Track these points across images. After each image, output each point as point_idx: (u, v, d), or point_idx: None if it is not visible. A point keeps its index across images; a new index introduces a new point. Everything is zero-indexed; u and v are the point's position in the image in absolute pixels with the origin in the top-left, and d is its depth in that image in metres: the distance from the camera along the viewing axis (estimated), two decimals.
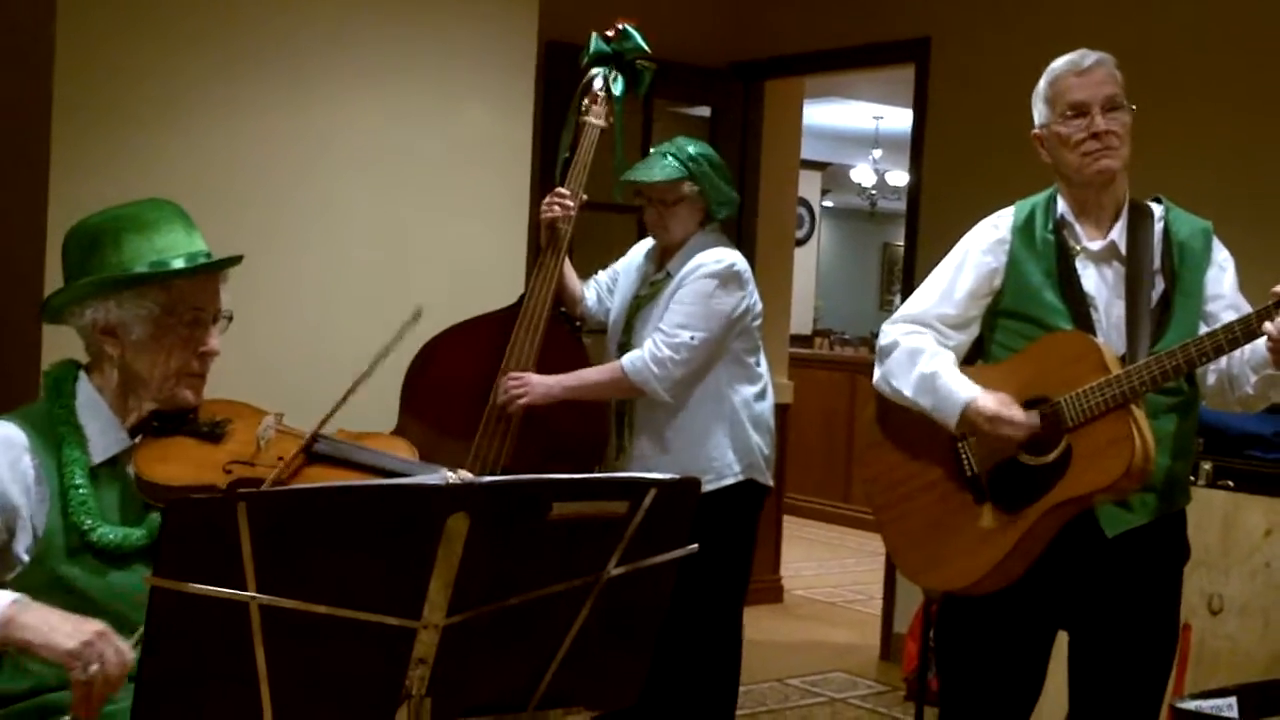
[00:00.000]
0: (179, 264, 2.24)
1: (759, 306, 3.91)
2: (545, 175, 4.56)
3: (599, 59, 4.05)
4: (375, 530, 1.50)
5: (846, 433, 9.45)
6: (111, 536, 2.15)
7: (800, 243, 11.01)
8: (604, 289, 4.11)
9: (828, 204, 15.25)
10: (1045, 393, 2.86)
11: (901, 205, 13.92)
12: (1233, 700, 3.38)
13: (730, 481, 3.80)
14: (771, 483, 3.98)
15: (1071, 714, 3.09)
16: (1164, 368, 2.73)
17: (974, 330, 3.10)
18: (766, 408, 3.93)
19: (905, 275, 6.01)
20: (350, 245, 4.48)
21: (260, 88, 4.35)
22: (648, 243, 4.06)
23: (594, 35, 4.06)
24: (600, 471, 3.91)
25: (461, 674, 1.61)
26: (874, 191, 14.29)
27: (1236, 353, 2.79)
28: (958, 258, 3.11)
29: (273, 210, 4.36)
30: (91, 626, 1.84)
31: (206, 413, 2.37)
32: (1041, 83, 3.02)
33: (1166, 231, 2.98)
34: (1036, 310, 2.97)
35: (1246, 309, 2.79)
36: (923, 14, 5.81)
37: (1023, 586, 2.93)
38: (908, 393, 3.01)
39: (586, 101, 4.01)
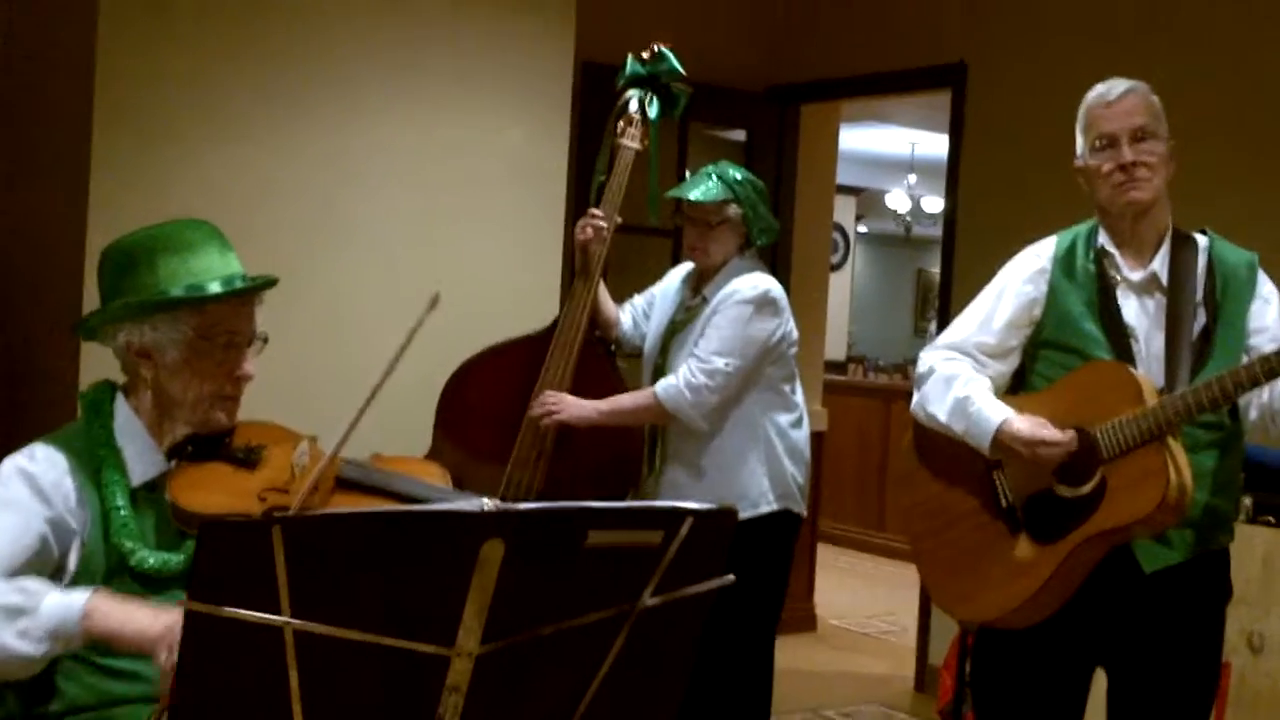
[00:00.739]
0: (214, 287, 2.23)
1: (795, 334, 3.89)
2: (580, 197, 4.55)
3: (635, 81, 4.05)
4: (410, 556, 1.49)
5: (880, 460, 9.40)
6: (151, 561, 2.15)
7: (835, 268, 10.96)
8: (640, 313, 4.10)
9: (862, 229, 15.20)
10: (1081, 423, 2.84)
11: (936, 231, 13.87)
12: None
13: (765, 510, 3.78)
14: (805, 511, 3.94)
15: None
16: (1199, 400, 2.70)
17: (1013, 361, 3.08)
18: (802, 436, 3.90)
19: (941, 302, 5.98)
20: (386, 266, 4.48)
21: (299, 108, 4.36)
22: (685, 267, 4.05)
23: (630, 57, 4.06)
24: (634, 498, 3.90)
25: (495, 703, 1.59)
26: (909, 217, 14.24)
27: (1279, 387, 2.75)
28: (998, 286, 3.09)
29: (310, 230, 4.37)
30: (172, 613, 1.88)
31: (241, 436, 2.36)
32: (1079, 114, 3.00)
33: (1210, 263, 2.95)
34: (1077, 341, 2.95)
35: None
36: (959, 39, 5.79)
37: (1060, 622, 2.90)
38: (942, 418, 2.99)
39: (622, 124, 4.01)
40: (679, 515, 1.63)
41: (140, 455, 2.24)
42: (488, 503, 2.15)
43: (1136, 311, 2.94)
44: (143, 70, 4.08)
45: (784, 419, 3.85)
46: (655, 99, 4.04)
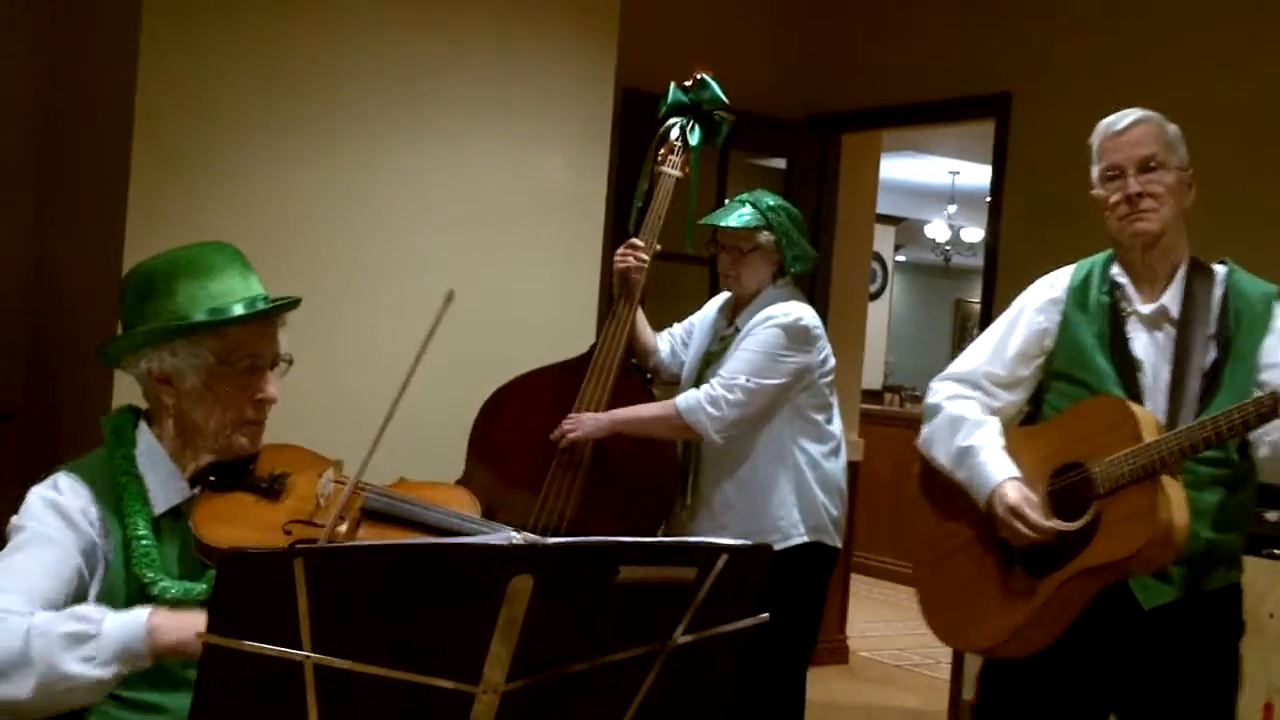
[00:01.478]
0: (235, 310, 2.19)
1: (830, 364, 3.83)
2: (619, 224, 4.52)
3: (677, 109, 4.03)
4: (436, 590, 1.45)
5: None
6: (174, 591, 2.11)
7: (873, 297, 10.90)
8: (678, 341, 4.06)
9: (901, 259, 15.14)
10: (1079, 458, 2.82)
11: (975, 261, 13.82)
12: None
13: (796, 542, 3.72)
14: (839, 544, 3.88)
15: None
16: (1194, 439, 2.66)
17: (1025, 390, 3.07)
18: (836, 467, 3.84)
19: (980, 332, 5.91)
20: (422, 290, 4.46)
21: (336, 133, 4.36)
22: (722, 297, 4.01)
23: (672, 85, 4.04)
24: (666, 529, 3.85)
25: None
26: (948, 247, 14.17)
27: None
28: (1011, 316, 3.09)
29: (345, 254, 4.36)
30: None
31: (265, 462, 2.31)
32: (1091, 145, 3.00)
33: (1226, 296, 2.90)
34: (1086, 373, 2.93)
35: None
36: (1004, 69, 5.74)
37: (1065, 661, 2.88)
38: (945, 463, 3.01)
39: (663, 151, 3.99)
40: (713, 551, 1.58)
41: (163, 483, 2.20)
42: (516, 536, 2.12)
43: (1146, 344, 2.92)
44: (180, 101, 4.09)
45: (815, 449, 3.79)
46: (697, 127, 4.02)
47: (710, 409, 3.65)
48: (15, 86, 4.98)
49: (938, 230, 13.82)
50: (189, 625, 1.86)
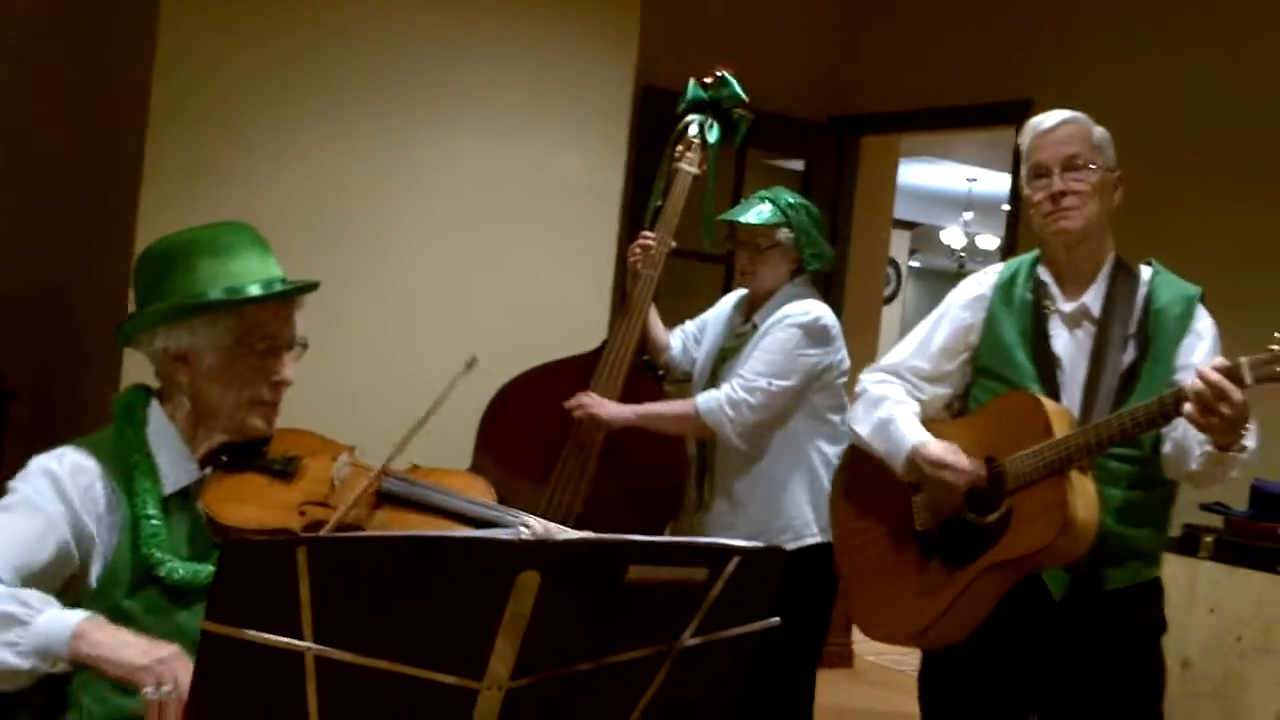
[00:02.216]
0: (253, 290, 2.16)
1: (846, 363, 3.80)
2: (635, 220, 4.50)
3: (695, 106, 4.00)
4: (441, 583, 1.42)
5: None
6: (182, 572, 2.08)
7: (886, 301, 10.86)
8: (690, 339, 4.03)
9: (914, 264, 15.09)
10: (994, 452, 2.85)
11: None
12: None
13: (809, 542, 3.69)
14: None
15: None
16: (1101, 435, 2.68)
17: (950, 385, 3.10)
18: None
19: None
20: (436, 280, 4.45)
21: (356, 121, 4.34)
22: (736, 294, 3.98)
23: (692, 81, 4.00)
24: (674, 524, 3.83)
25: None
26: (963, 254, 14.11)
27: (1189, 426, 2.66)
28: (939, 312, 3.13)
29: (362, 242, 4.34)
30: (165, 648, 1.81)
31: (278, 445, 2.29)
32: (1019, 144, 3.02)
33: (1149, 296, 2.92)
34: (1007, 369, 2.96)
35: None
36: (1026, 76, 5.71)
37: (987, 656, 2.90)
38: (865, 435, 3.05)
39: (680, 148, 3.96)
40: (725, 553, 1.55)
41: (174, 463, 2.17)
42: (526, 531, 2.10)
43: (1066, 342, 2.94)
44: (199, 77, 4.08)
45: (831, 449, 3.76)
46: (715, 124, 3.99)
47: (730, 411, 3.62)
48: (56, 87, 4.99)
49: (953, 237, 13.76)
50: (114, 644, 1.82)
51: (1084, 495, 2.71)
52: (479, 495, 2.36)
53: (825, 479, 3.72)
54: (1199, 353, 2.84)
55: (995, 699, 2.98)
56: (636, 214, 4.71)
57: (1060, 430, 2.75)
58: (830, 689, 6.09)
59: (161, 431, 2.19)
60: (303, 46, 4.27)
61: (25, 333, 5.06)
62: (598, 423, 3.69)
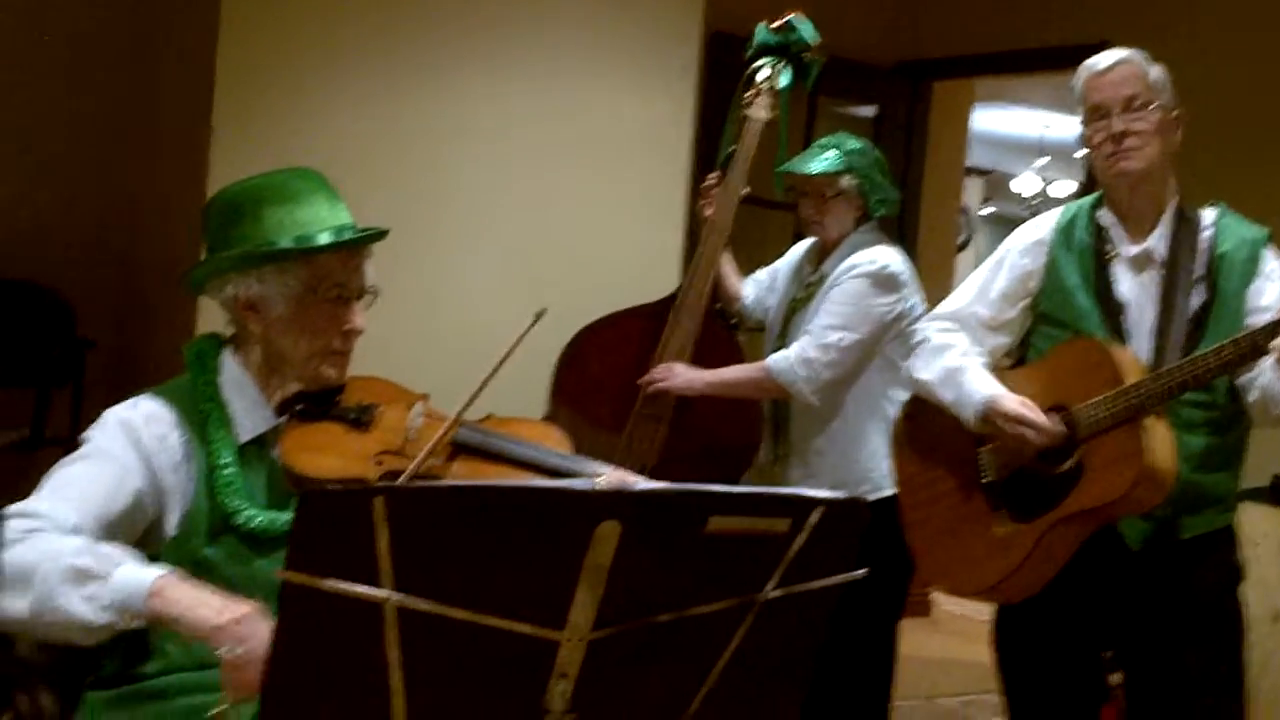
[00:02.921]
0: (323, 238, 2.14)
1: (918, 310, 3.72)
2: (705, 167, 4.45)
3: (765, 50, 3.93)
4: (520, 534, 1.40)
5: None
6: (259, 520, 2.07)
7: (958, 249, 10.74)
8: (763, 288, 3.99)
9: (986, 211, 14.90)
10: (1063, 400, 2.80)
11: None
12: None
13: (888, 493, 3.64)
14: None
15: None
16: (1174, 381, 2.64)
17: (1011, 333, 3.06)
18: None
19: None
20: (505, 229, 4.43)
21: (424, 70, 4.32)
22: (807, 243, 3.92)
23: (761, 25, 3.94)
24: (748, 480, 3.80)
25: (605, 692, 1.50)
26: (1037, 201, 13.91)
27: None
28: (997, 257, 3.08)
29: (428, 188, 4.33)
30: (241, 606, 1.78)
31: (352, 394, 2.28)
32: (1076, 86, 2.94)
33: (1214, 239, 2.85)
34: (1071, 315, 2.91)
35: None
36: (1101, 18, 5.57)
37: (1062, 606, 2.88)
38: (930, 381, 3.00)
39: (750, 93, 3.90)
40: (808, 504, 1.52)
41: (248, 411, 2.16)
42: (602, 481, 2.08)
43: (1131, 286, 2.88)
44: (264, 30, 4.06)
45: (905, 398, 3.71)
46: (786, 68, 3.92)
47: (803, 370, 3.58)
48: (121, 35, 5.00)
49: (1026, 184, 13.56)
50: (191, 601, 1.79)
51: (1161, 442, 2.67)
52: (554, 445, 2.35)
53: None
54: (1269, 295, 2.79)
55: (1070, 649, 2.97)
56: (706, 161, 4.65)
57: (1130, 377, 2.70)
58: (908, 638, 6.02)
59: (235, 379, 2.18)
60: None
61: (102, 283, 5.10)
62: (686, 400, 3.66)
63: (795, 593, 1.57)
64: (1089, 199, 3.01)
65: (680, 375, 3.66)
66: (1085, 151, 2.93)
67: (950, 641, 6.52)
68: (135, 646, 2.02)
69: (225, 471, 2.08)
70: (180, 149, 4.36)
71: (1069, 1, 5.76)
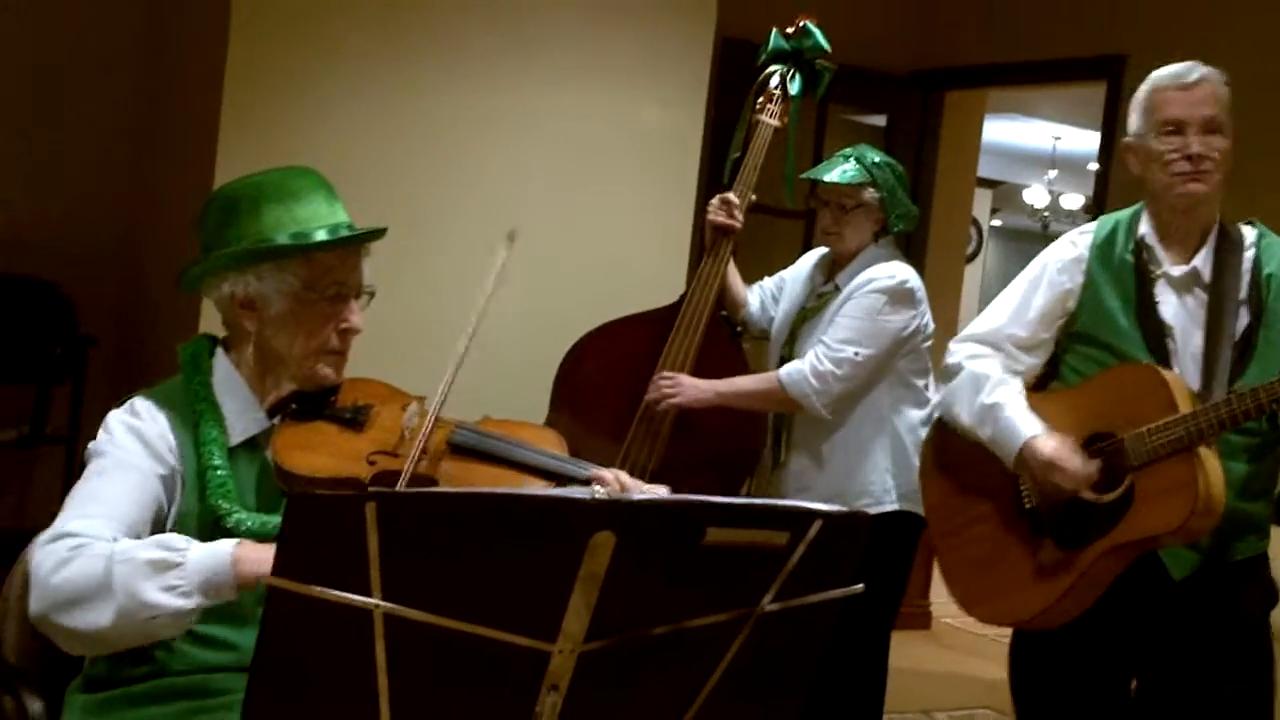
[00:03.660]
0: (321, 235, 2.12)
1: (930, 327, 3.71)
2: (714, 173, 4.43)
3: (777, 56, 3.91)
4: (513, 542, 1.38)
5: None
6: (249, 523, 2.05)
7: (966, 261, 10.72)
8: (769, 296, 3.95)
9: (996, 223, 14.88)
10: (1110, 428, 2.73)
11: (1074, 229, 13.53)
12: None
13: (888, 508, 3.62)
14: None
15: None
16: (1233, 411, 2.58)
17: (1046, 353, 2.97)
18: None
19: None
20: (508, 230, 4.41)
21: (433, 69, 4.32)
22: (817, 252, 3.90)
23: (774, 31, 3.91)
24: (750, 488, 3.77)
25: (596, 704, 1.47)
26: (1046, 213, 13.88)
27: None
28: (1033, 275, 2.98)
29: (432, 189, 4.32)
30: None
31: (347, 395, 2.26)
32: (1142, 90, 2.86)
33: (1256, 260, 2.79)
34: (1111, 336, 2.83)
35: None
36: (1119, 29, 5.54)
37: (1092, 629, 2.81)
38: (967, 421, 2.91)
39: (761, 99, 3.87)
40: (807, 516, 1.49)
41: (241, 412, 2.15)
42: (600, 490, 2.05)
43: (1175, 309, 2.81)
44: (274, 27, 4.05)
45: (914, 415, 3.68)
46: (797, 75, 3.89)
47: (816, 383, 3.55)
48: (127, 31, 4.99)
49: (1037, 196, 13.54)
50: (270, 557, 1.79)
51: (1213, 472, 2.61)
52: (551, 448, 2.32)
53: (909, 445, 3.65)
54: None
55: (1096, 676, 2.90)
56: (716, 168, 4.64)
57: (1184, 405, 2.64)
58: (907, 650, 6.02)
59: (227, 380, 2.17)
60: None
61: (104, 279, 5.09)
62: (682, 406, 3.63)
63: (793, 607, 1.54)
64: (1125, 214, 2.93)
65: (689, 388, 3.62)
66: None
67: (949, 655, 6.49)
68: (126, 652, 1.99)
69: (216, 473, 2.06)
70: (187, 147, 4.34)
71: (1084, 13, 5.73)
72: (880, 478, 3.62)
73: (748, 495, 3.81)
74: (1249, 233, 2.84)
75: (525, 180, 4.47)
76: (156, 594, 1.79)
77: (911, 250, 6.06)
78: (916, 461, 3.64)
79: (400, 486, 2.05)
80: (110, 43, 5.05)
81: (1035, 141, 11.65)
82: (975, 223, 12.46)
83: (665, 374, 3.64)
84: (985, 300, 12.74)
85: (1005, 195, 13.88)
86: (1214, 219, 2.84)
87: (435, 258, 4.25)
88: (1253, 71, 4.70)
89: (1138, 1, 5.51)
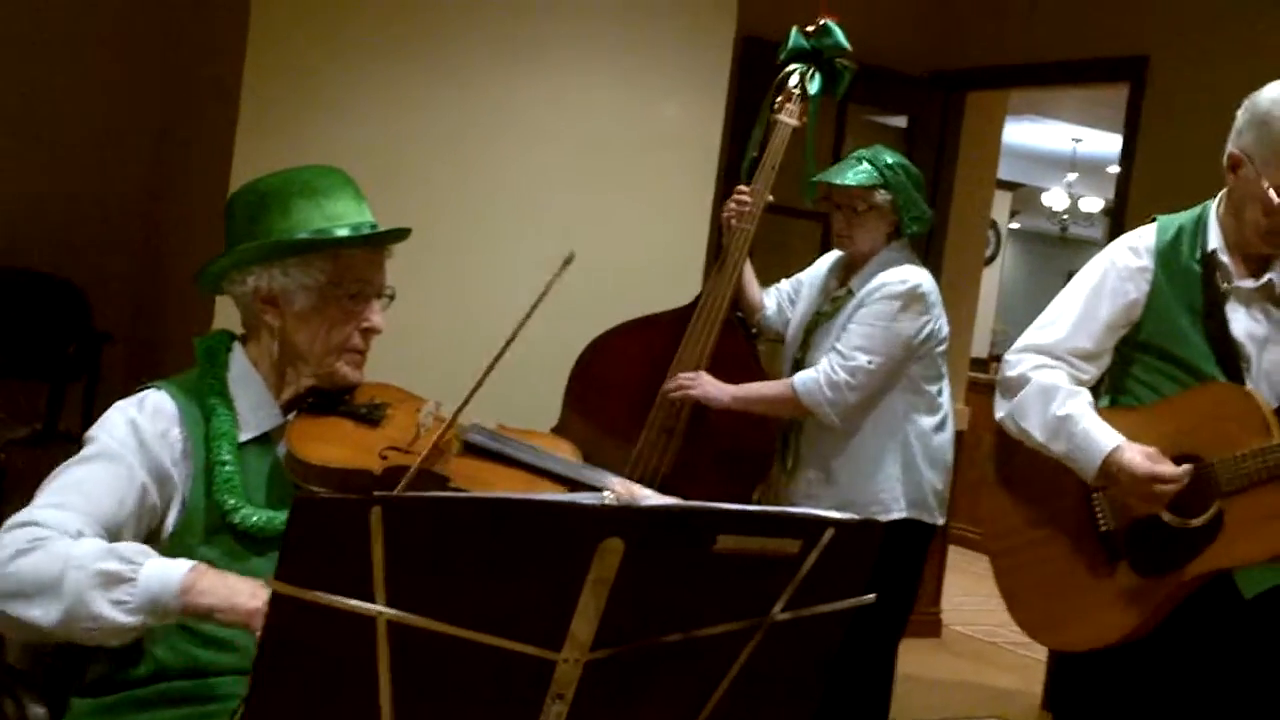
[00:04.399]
0: (348, 232, 2.12)
1: (944, 331, 3.67)
2: (732, 173, 4.41)
3: (797, 55, 3.88)
4: (520, 548, 1.35)
5: None
6: (255, 519, 2.03)
7: (985, 263, 10.67)
8: (785, 298, 3.92)
9: (1014, 226, 14.82)
10: (1195, 450, 2.62)
11: (1093, 232, 13.48)
12: None
13: (896, 516, 3.59)
14: (941, 520, 3.74)
15: None
16: None
17: (1107, 361, 2.86)
18: (945, 440, 3.70)
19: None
20: (528, 233, 4.39)
21: (453, 67, 4.30)
22: (833, 255, 3.87)
23: (794, 30, 3.88)
24: (762, 493, 3.75)
25: (602, 714, 1.45)
26: (1065, 216, 13.82)
27: None
28: (1094, 284, 2.84)
29: (453, 189, 4.31)
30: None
31: (364, 395, 2.25)
32: (1273, 109, 2.67)
33: None
34: (1182, 350, 2.73)
35: None
36: (1143, 31, 5.49)
37: (1151, 651, 2.72)
38: (1038, 435, 2.79)
39: (780, 98, 3.84)
40: (820, 524, 1.47)
41: (255, 408, 2.14)
42: (610, 495, 2.03)
43: (1246, 324, 2.71)
44: (294, 23, 4.04)
45: (926, 422, 3.65)
46: (817, 74, 3.86)
47: (829, 392, 3.52)
48: (126, 12, 4.98)
49: (1056, 198, 13.48)
50: (224, 592, 1.78)
51: None
52: (565, 456, 2.30)
53: (919, 452, 3.62)
54: None
55: (1154, 695, 2.81)
56: (735, 167, 4.61)
57: (1277, 430, 2.55)
58: (918, 658, 6.00)
59: (243, 376, 2.16)
60: None
61: (120, 276, 5.08)
62: (701, 410, 3.60)
63: (804, 616, 1.51)
64: (1188, 218, 2.82)
65: (706, 385, 3.60)
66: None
67: (959, 663, 6.46)
68: (125, 651, 1.97)
69: (224, 469, 2.05)
70: (203, 144, 4.33)
71: (1106, 13, 5.68)
72: (890, 486, 3.59)
73: (759, 502, 3.78)
74: None
75: (544, 179, 4.45)
76: (103, 606, 1.78)
77: (929, 253, 6.02)
78: (926, 469, 3.62)
79: (409, 481, 2.04)
80: (129, 38, 5.04)
81: (1055, 144, 11.60)
82: (994, 225, 12.42)
83: (685, 373, 3.63)
84: (1003, 304, 12.73)
85: (1024, 198, 13.83)
86: None
87: (454, 258, 4.24)
88: (1276, 73, 4.65)
89: (1160, 1, 5.45)
